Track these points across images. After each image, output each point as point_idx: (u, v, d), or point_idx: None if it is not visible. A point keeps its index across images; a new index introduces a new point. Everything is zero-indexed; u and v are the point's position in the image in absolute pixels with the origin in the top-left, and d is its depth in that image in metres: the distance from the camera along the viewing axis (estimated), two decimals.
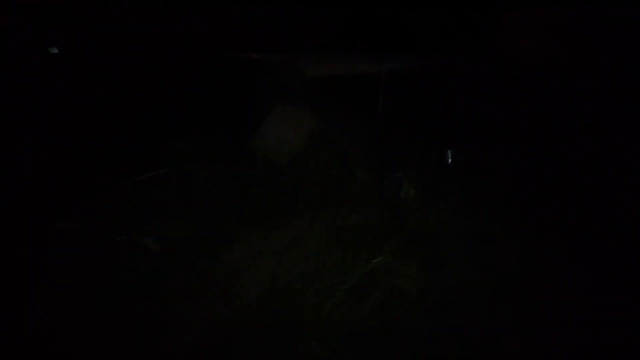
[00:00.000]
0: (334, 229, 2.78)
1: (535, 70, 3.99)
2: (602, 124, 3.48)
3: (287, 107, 3.69)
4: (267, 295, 2.42)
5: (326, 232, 2.80)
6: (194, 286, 2.49)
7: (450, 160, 3.40)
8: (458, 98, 3.88)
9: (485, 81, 3.93)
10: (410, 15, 4.20)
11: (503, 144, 3.56)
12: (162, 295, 2.42)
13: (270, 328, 2.21)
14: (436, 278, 2.48)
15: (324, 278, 2.47)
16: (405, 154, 3.34)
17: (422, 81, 3.90)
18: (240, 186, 3.10)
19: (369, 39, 4.25)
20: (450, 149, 3.40)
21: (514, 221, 2.92)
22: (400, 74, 3.88)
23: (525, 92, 3.85)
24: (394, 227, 2.79)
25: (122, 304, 2.32)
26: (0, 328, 2.17)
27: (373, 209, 2.92)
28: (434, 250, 2.67)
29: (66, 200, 3.01)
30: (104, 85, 4.08)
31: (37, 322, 2.21)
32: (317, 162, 3.26)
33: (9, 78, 3.80)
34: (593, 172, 3.21)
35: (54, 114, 3.70)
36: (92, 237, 2.76)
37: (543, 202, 3.05)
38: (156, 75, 3.92)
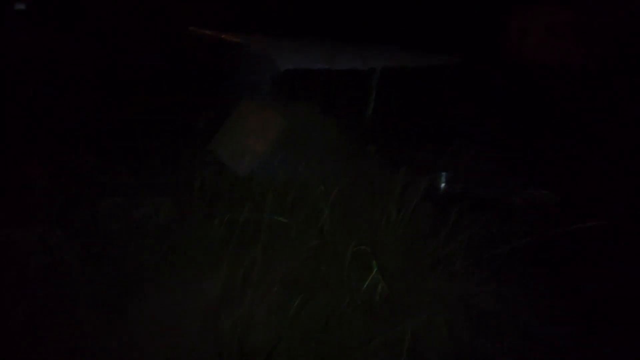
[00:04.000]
0: None
1: (542, 75, 3.52)
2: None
3: (253, 103, 3.08)
4: None
5: None
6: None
7: (443, 185, 2.92)
8: (456, 103, 3.39)
9: (488, 86, 3.44)
10: (409, 6, 3.64)
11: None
12: None
13: None
14: None
15: None
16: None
17: (417, 82, 3.38)
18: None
19: (359, 28, 3.67)
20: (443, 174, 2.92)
21: None
22: (394, 72, 3.34)
23: (531, 100, 3.38)
24: None
25: None
26: None
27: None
28: None
29: None
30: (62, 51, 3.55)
31: None
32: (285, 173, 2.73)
33: None
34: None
35: None
36: None
37: None
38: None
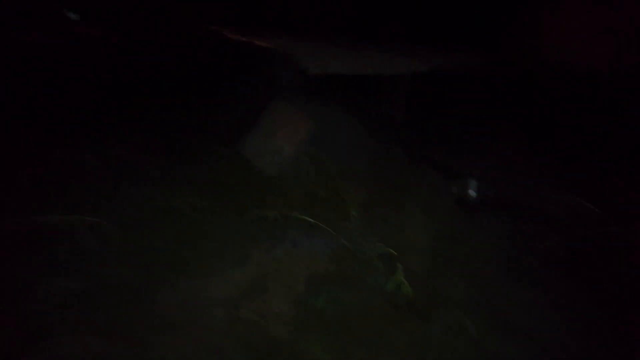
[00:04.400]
0: None
1: (587, 78, 3.37)
2: None
3: (283, 104, 3.15)
4: None
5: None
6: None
7: (473, 193, 2.85)
8: (488, 106, 3.32)
9: (522, 88, 3.35)
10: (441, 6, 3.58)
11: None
12: None
13: None
14: None
15: None
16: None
17: (451, 86, 3.35)
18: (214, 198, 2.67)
19: (391, 28, 3.65)
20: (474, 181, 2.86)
21: None
22: (425, 76, 3.32)
23: (567, 104, 3.25)
24: None
25: None
26: None
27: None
28: None
29: None
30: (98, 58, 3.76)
31: None
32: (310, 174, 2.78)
33: None
34: None
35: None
36: None
37: None
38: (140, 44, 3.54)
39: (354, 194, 2.71)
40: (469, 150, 3.09)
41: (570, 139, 3.10)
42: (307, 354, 2.04)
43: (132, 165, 3.06)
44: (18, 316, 2.09)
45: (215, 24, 3.56)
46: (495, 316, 2.36)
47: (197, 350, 2.04)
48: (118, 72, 3.57)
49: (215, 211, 2.75)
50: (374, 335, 2.14)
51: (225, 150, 3.21)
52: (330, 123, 3.09)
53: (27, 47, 3.57)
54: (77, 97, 3.41)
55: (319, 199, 2.77)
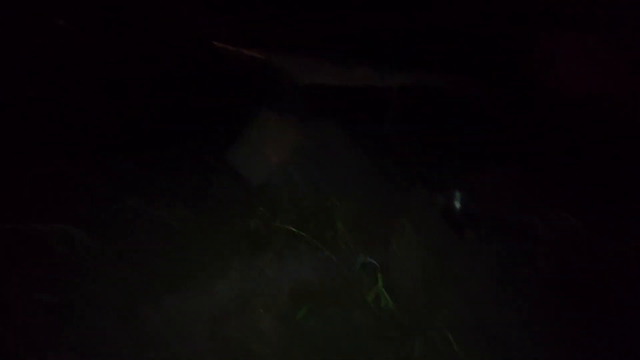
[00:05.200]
0: None
1: (570, 105, 3.41)
2: None
3: (270, 116, 3.18)
4: None
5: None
6: None
7: (458, 204, 2.86)
8: (479, 128, 3.33)
9: (514, 112, 3.37)
10: (431, 24, 3.62)
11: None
12: None
13: None
14: None
15: None
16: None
17: (439, 103, 3.37)
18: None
19: (380, 46, 3.69)
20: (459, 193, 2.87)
21: None
22: (414, 91, 3.35)
23: (557, 130, 3.28)
24: None
25: None
26: None
27: None
28: None
29: None
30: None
31: None
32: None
33: None
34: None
35: None
36: None
37: None
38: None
39: (341, 205, 2.69)
40: (458, 165, 3.09)
41: (562, 158, 3.12)
42: None
43: (119, 176, 3.03)
44: None
45: (205, 33, 3.57)
46: (480, 333, 2.32)
47: None
48: (109, 83, 3.56)
49: (200, 222, 2.71)
50: (356, 350, 2.10)
51: (214, 161, 3.19)
52: (319, 135, 3.09)
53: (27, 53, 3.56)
54: (64, 106, 3.39)
55: (305, 210, 2.75)
